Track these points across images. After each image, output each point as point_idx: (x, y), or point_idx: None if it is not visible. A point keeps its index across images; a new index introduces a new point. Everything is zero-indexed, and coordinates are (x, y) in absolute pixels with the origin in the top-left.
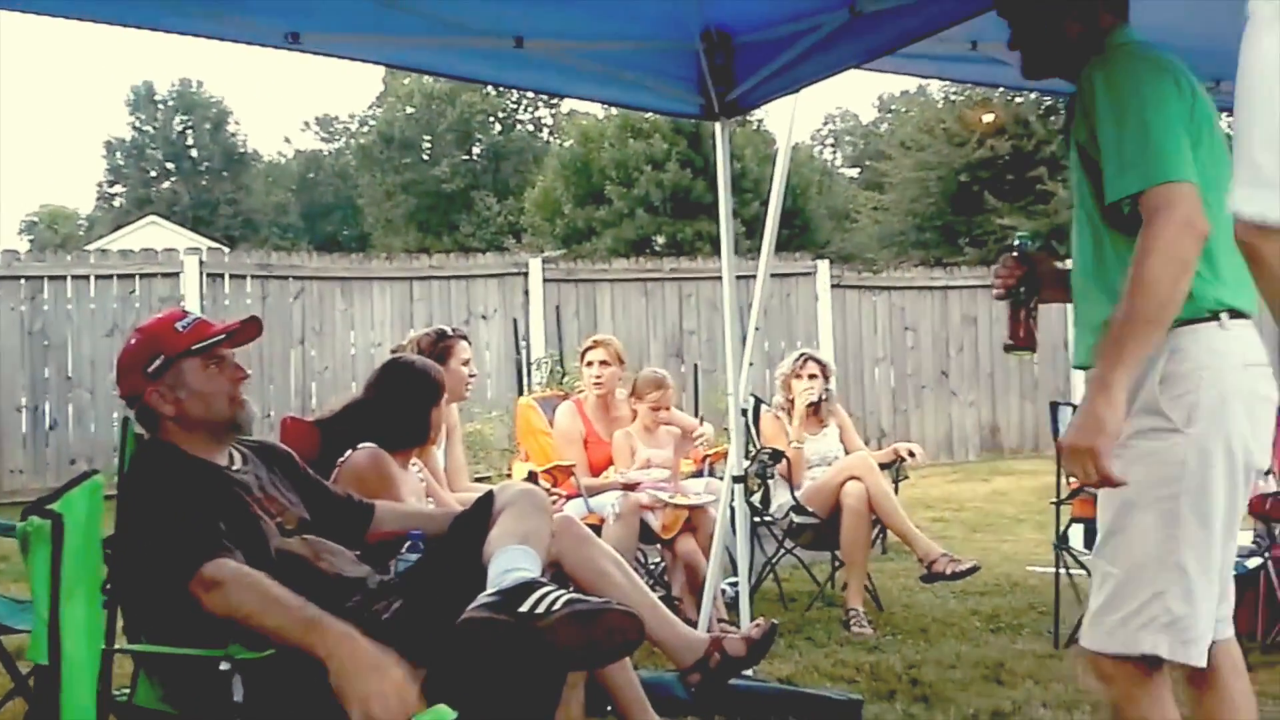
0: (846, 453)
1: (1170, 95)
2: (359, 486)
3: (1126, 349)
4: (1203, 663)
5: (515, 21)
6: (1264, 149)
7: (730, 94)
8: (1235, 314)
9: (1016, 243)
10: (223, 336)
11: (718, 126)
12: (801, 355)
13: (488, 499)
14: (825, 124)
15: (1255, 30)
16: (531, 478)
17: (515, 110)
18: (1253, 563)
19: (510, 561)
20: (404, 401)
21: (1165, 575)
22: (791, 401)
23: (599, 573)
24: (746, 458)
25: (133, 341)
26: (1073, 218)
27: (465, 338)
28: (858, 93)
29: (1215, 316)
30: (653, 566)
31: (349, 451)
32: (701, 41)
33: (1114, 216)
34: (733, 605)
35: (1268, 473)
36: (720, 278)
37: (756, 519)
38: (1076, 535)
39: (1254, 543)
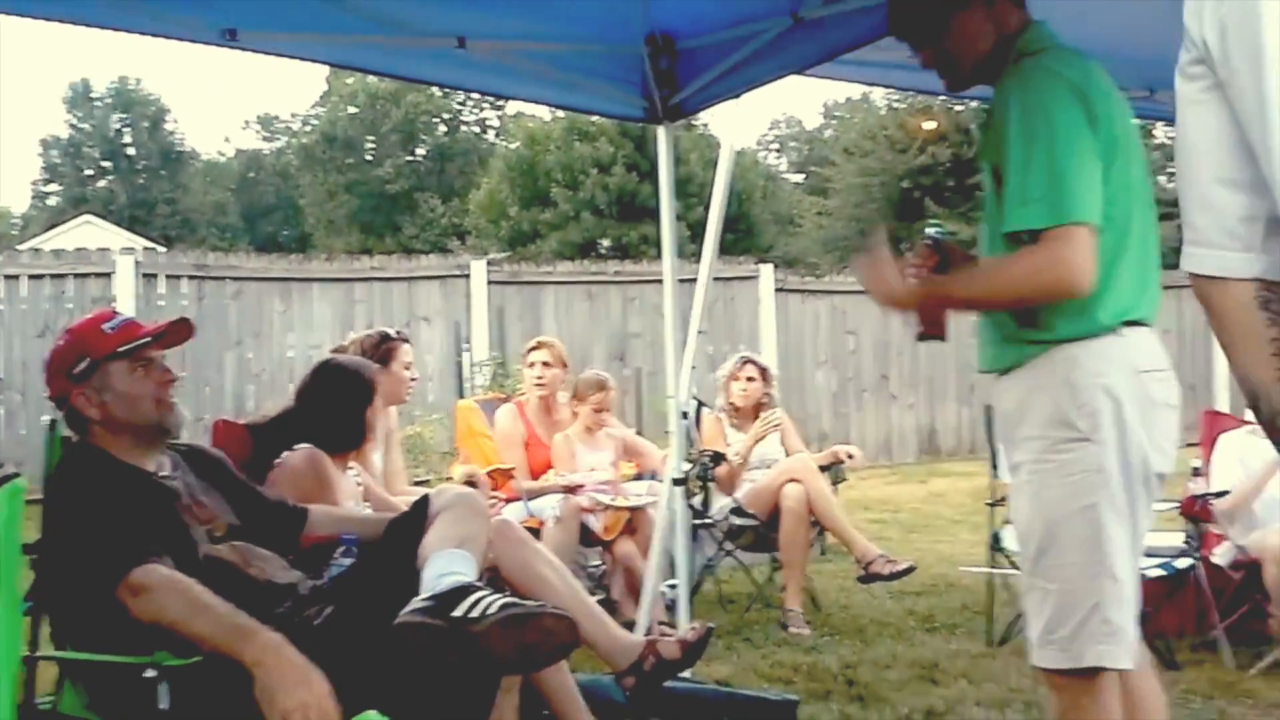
0: (787, 455)
1: (1081, 124)
2: (294, 489)
3: (948, 293)
4: (1131, 665)
5: (458, 22)
6: (1197, 212)
7: (674, 98)
8: (1132, 324)
9: (930, 232)
10: (150, 338)
11: (661, 130)
12: (741, 358)
13: (423, 503)
14: (771, 129)
15: (1180, 108)
16: (470, 482)
17: (461, 111)
18: (1183, 563)
19: (445, 566)
20: (337, 403)
21: (1099, 585)
22: (734, 405)
23: (536, 576)
24: (687, 460)
25: (60, 343)
26: (981, 226)
27: (407, 340)
28: (803, 99)
29: (1114, 330)
30: (593, 569)
31: (284, 454)
32: (645, 45)
33: (1015, 236)
34: (672, 607)
35: (1196, 472)
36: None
37: (696, 521)
38: (1010, 536)
39: (1185, 543)
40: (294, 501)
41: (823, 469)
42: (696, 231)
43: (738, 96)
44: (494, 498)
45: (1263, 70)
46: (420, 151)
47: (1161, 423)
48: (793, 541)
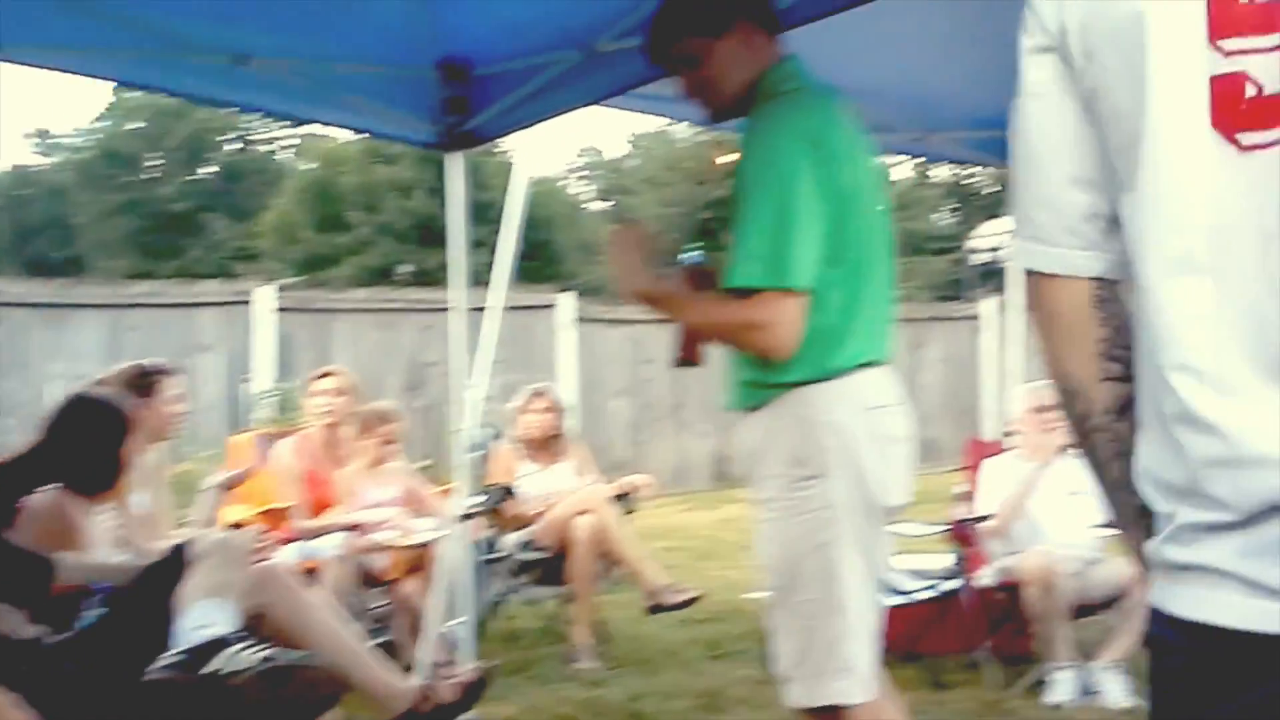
0: (580, 487)
1: (810, 180)
2: (39, 535)
3: (670, 306)
4: (869, 698)
5: (240, 38)
6: (1038, 208)
7: (466, 125)
8: (864, 365)
9: (684, 256)
10: None
11: (451, 157)
12: (532, 391)
13: (179, 549)
14: (577, 157)
15: (1022, 98)
16: (233, 528)
17: (252, 129)
18: (950, 585)
19: (201, 617)
20: (87, 440)
21: (834, 621)
22: (525, 438)
23: (305, 623)
24: (480, 493)
25: None
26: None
27: (173, 372)
28: (607, 128)
29: (846, 373)
30: (376, 611)
31: (29, 496)
32: (437, 70)
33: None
34: (457, 647)
35: (961, 497)
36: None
37: (486, 557)
38: None
39: (951, 566)
40: (40, 548)
41: (614, 499)
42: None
43: (532, 125)
44: (266, 539)
45: (1145, 81)
46: (208, 170)
47: (893, 457)
48: (582, 574)
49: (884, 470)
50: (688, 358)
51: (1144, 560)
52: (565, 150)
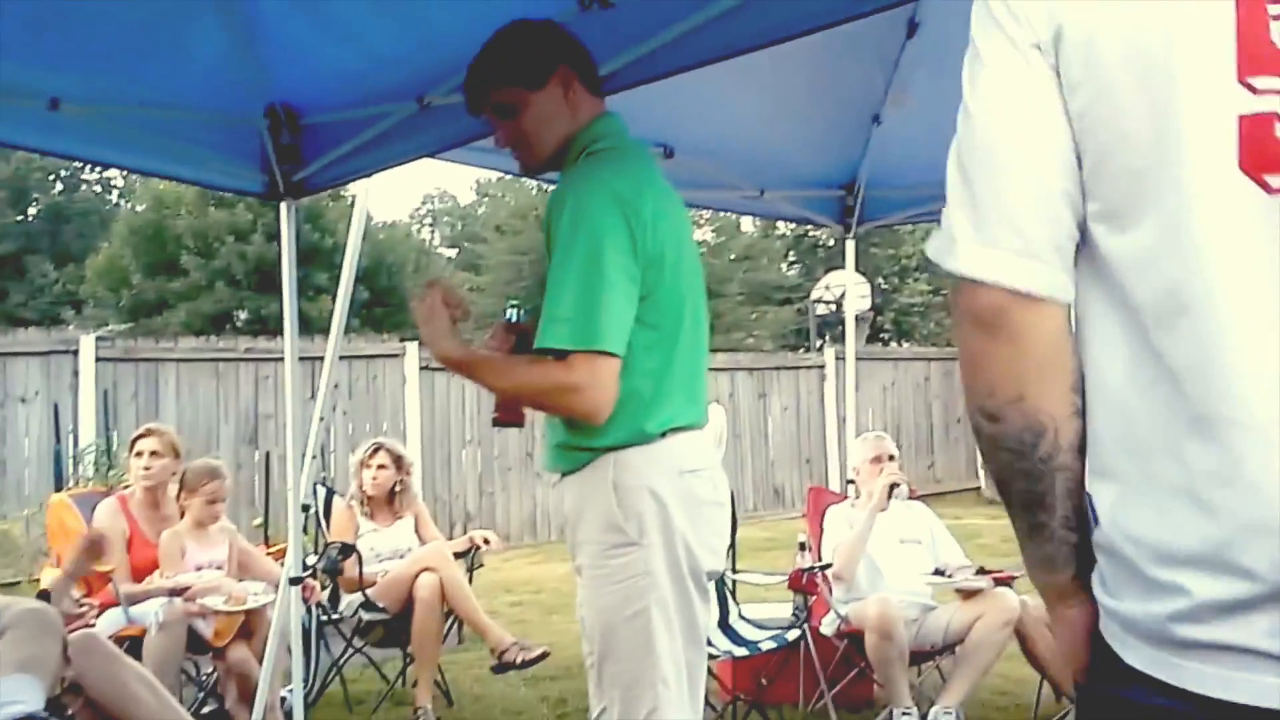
0: (422, 544)
1: (623, 244)
2: None
3: (478, 372)
4: None
5: (51, 80)
6: (1030, 218)
7: (298, 174)
8: (677, 429)
9: (507, 311)
10: None
11: (283, 206)
12: (372, 445)
13: None
14: (424, 203)
15: (991, 92)
16: (44, 595)
17: (80, 169)
18: (792, 635)
19: (7, 694)
20: None
21: (653, 692)
22: (366, 494)
23: (124, 694)
24: (314, 553)
25: None
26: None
27: None
28: (457, 174)
29: (659, 437)
30: (204, 679)
31: None
32: (266, 118)
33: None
34: (292, 715)
35: (803, 546)
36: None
37: (324, 618)
38: None
39: (793, 615)
40: None
41: (459, 555)
42: (358, 309)
43: (367, 175)
44: (85, 604)
45: (1170, 112)
46: (32, 211)
47: (709, 521)
48: (425, 633)
49: (699, 535)
50: (508, 418)
51: (1070, 599)
52: (414, 195)
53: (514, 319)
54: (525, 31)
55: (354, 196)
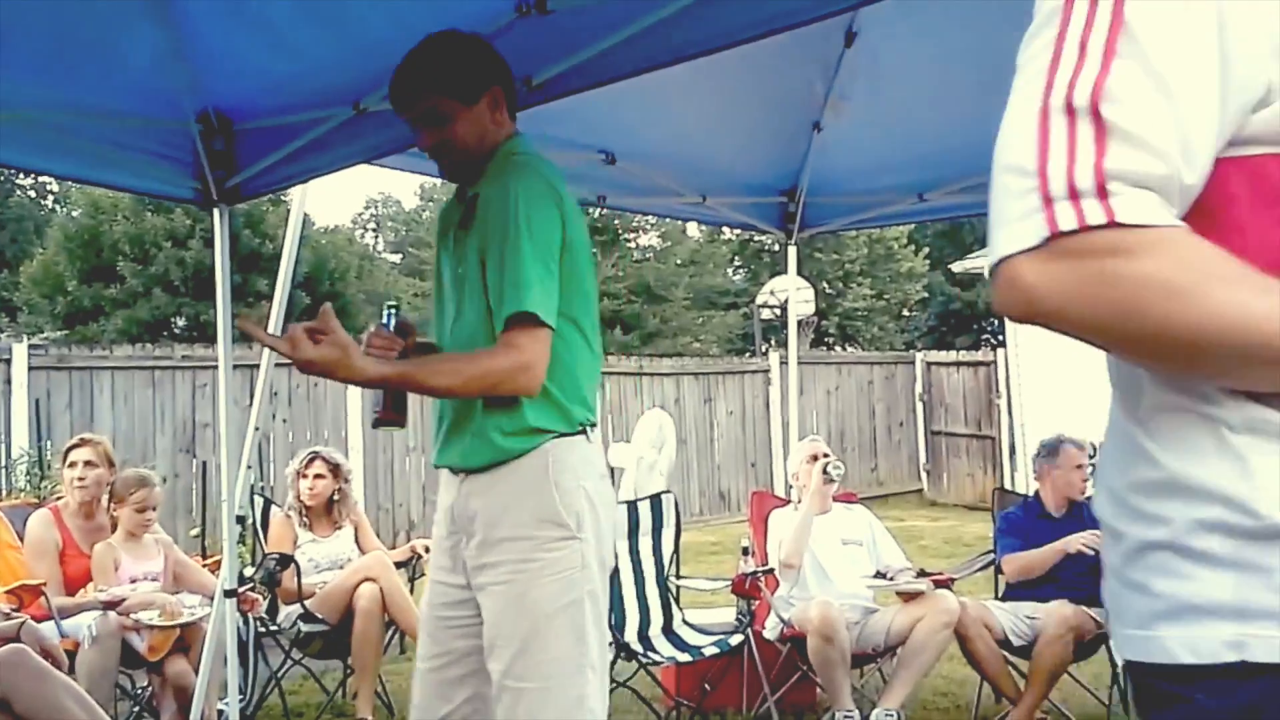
0: (363, 553)
1: (558, 230)
2: None
3: (418, 380)
4: None
5: None
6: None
7: (231, 180)
8: (590, 425)
9: (386, 312)
10: None
11: (216, 213)
12: (309, 454)
13: None
14: (367, 208)
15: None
16: None
17: (14, 174)
18: (736, 639)
19: None
20: None
21: (582, 678)
22: (303, 504)
23: (55, 710)
24: (252, 564)
25: None
26: (453, 313)
27: None
28: (400, 179)
29: (583, 430)
30: (139, 692)
31: None
32: (198, 124)
33: (481, 321)
34: None
35: (746, 551)
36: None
37: (262, 630)
38: None
39: (736, 620)
40: None
41: (400, 565)
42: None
43: (304, 182)
44: (16, 618)
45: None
46: None
47: (614, 523)
48: (365, 644)
49: (610, 535)
50: (389, 417)
51: None
52: (357, 199)
53: (390, 322)
54: (461, 45)
55: (290, 199)
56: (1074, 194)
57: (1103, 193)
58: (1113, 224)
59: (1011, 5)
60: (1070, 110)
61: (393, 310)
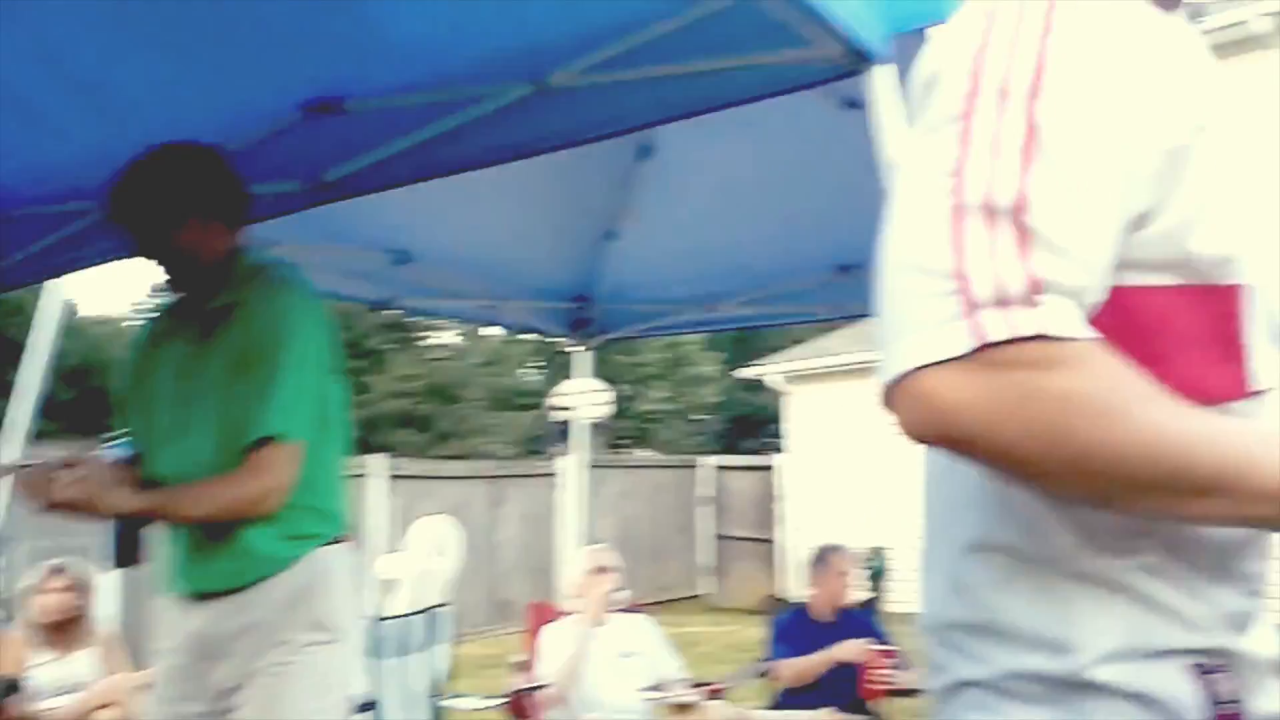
0: (107, 675)
1: (324, 346)
2: None
3: (170, 509)
4: None
5: None
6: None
7: None
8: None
9: (112, 449)
10: None
11: None
12: (51, 567)
13: None
14: (151, 297)
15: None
16: None
17: None
18: None
19: None
20: None
21: None
22: (38, 622)
23: None
24: None
25: None
26: (175, 430)
27: None
28: None
29: (344, 537)
30: None
31: None
32: None
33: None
34: None
35: (520, 665)
36: None
37: None
38: None
39: None
40: None
41: (143, 689)
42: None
43: (64, 274)
44: None
45: None
46: None
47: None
48: None
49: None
50: (132, 558)
51: None
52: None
53: (120, 452)
54: (188, 158)
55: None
56: (1002, 301)
57: (1031, 301)
58: (1041, 336)
59: (800, 132)
60: (989, 211)
61: (114, 444)
